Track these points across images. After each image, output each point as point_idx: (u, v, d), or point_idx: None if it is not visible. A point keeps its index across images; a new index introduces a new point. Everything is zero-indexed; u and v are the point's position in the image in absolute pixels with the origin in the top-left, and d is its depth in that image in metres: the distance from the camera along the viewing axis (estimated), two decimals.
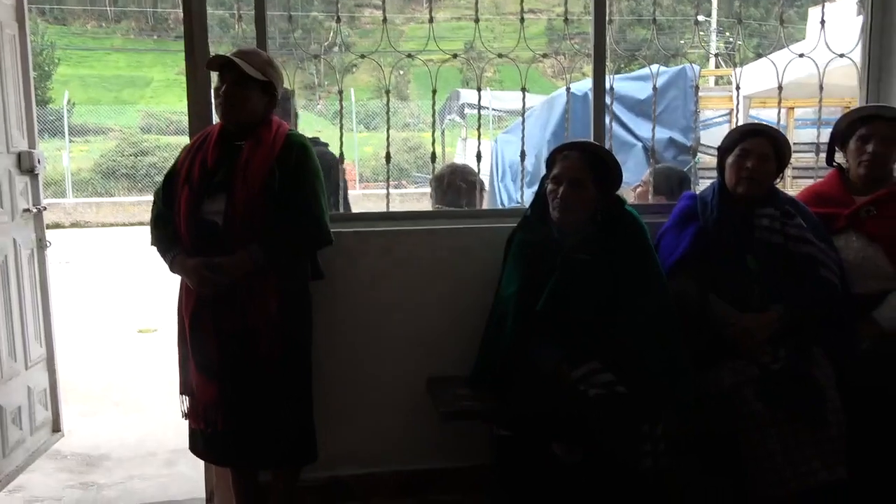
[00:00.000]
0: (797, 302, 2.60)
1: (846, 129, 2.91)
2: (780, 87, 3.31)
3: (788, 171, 2.99)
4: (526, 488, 2.57)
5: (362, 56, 3.16)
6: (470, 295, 2.95)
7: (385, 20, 3.10)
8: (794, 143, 2.96)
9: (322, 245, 2.61)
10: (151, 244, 2.61)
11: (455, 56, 3.16)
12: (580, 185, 2.56)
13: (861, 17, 3.30)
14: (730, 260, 2.68)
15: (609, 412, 2.35)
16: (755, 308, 2.62)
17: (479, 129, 3.23)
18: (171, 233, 2.55)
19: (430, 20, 3.10)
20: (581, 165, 2.58)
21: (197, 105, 2.87)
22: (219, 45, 2.90)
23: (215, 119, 2.69)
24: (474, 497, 3.03)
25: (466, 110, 10.12)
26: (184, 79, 2.88)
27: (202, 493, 3.07)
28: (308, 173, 2.57)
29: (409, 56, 3.12)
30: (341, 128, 3.12)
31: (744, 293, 2.65)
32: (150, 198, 2.68)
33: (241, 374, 2.48)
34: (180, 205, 2.52)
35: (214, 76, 2.59)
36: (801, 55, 3.27)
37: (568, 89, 3.34)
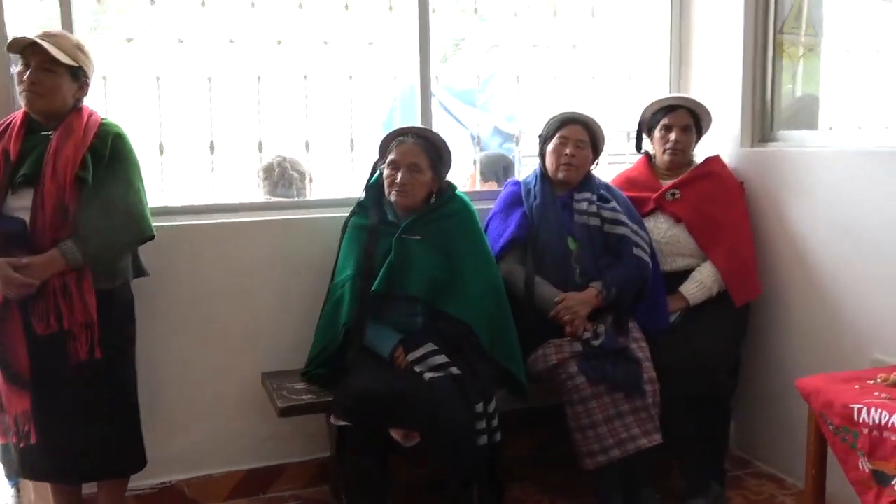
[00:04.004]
0: (614, 280, 2.77)
1: (651, 119, 3.13)
2: (593, 78, 3.51)
3: (604, 157, 3.17)
4: (366, 476, 2.59)
5: (180, 41, 3.03)
6: (302, 287, 2.92)
7: (204, 4, 2.99)
8: (609, 131, 3.15)
9: (143, 240, 2.48)
10: None
11: (279, 43, 3.10)
12: (417, 169, 2.64)
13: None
14: (552, 242, 2.82)
15: (444, 394, 2.41)
16: (577, 287, 2.78)
17: (306, 117, 3.19)
18: None
19: (252, 5, 3.02)
20: (417, 150, 2.65)
21: None
22: (18, 27, 2.68)
23: (18, 106, 2.49)
24: (315, 490, 3.02)
25: (295, 98, 9.90)
26: None
27: None
28: (125, 164, 2.43)
29: (231, 42, 3.03)
30: (160, 116, 2.98)
31: (566, 273, 2.80)
32: None
33: (57, 382, 2.32)
34: None
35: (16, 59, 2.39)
36: (611, 47, 3.48)
37: (394, 78, 3.36)
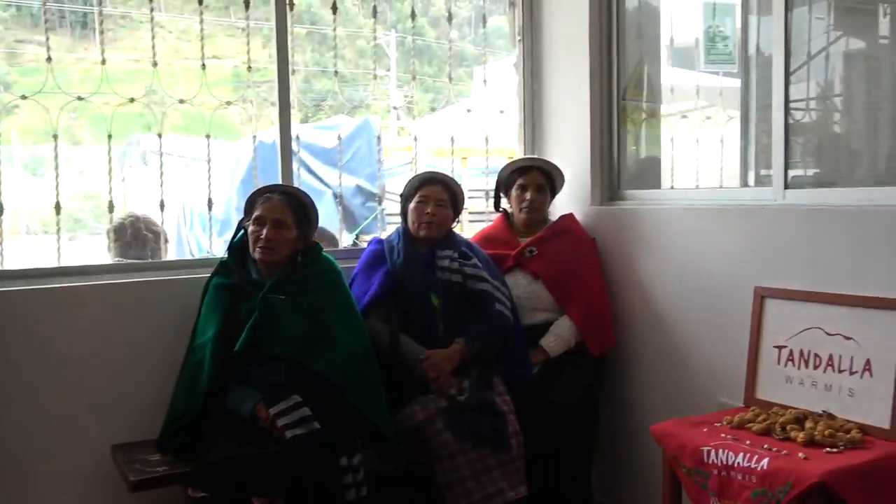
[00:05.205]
0: (477, 335, 2.82)
1: (507, 179, 3.25)
2: (452, 140, 3.62)
3: (465, 215, 3.26)
4: None
5: (24, 97, 2.89)
6: (157, 352, 2.79)
7: (50, 59, 2.87)
8: (469, 190, 3.25)
9: None
10: None
11: (132, 100, 3.01)
12: (283, 225, 2.62)
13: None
14: (416, 299, 2.84)
15: (308, 454, 2.36)
16: (441, 343, 2.80)
17: (161, 176, 3.09)
18: None
19: (103, 62, 2.93)
20: (283, 207, 2.64)
21: None
22: None
23: None
24: None
25: (148, 156, 9.62)
26: None
27: None
28: None
29: (80, 98, 2.92)
30: (0, 174, 2.81)
31: (430, 330, 2.82)
32: None
33: None
34: None
35: None
36: (469, 110, 3.61)
37: (254, 137, 3.33)
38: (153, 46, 3.02)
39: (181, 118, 3.19)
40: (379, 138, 3.70)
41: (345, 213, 4.58)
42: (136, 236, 3.49)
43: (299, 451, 2.36)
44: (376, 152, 3.68)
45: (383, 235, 3.15)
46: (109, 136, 2.96)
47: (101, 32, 3.02)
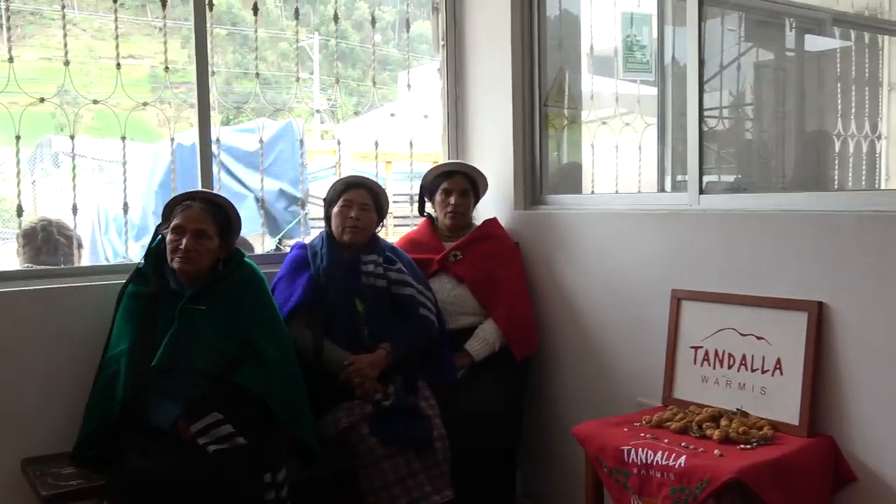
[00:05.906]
0: (401, 339, 2.82)
1: (432, 183, 3.26)
2: (376, 144, 3.61)
3: (390, 220, 3.25)
4: None
5: None
6: (71, 362, 2.69)
7: None
8: (394, 195, 3.25)
9: None
10: None
11: (43, 100, 2.90)
12: (204, 235, 2.53)
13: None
14: (340, 305, 2.82)
15: (230, 470, 2.30)
16: (366, 349, 2.79)
17: (73, 179, 2.98)
18: None
19: (11, 60, 2.80)
20: (204, 216, 2.55)
21: None
22: None
23: None
24: None
25: (61, 158, 9.27)
26: None
27: None
28: None
29: None
30: None
31: (355, 335, 2.81)
32: None
33: None
34: None
35: None
36: (393, 115, 3.60)
37: (172, 139, 3.25)
38: (65, 45, 2.91)
39: (95, 119, 3.09)
40: (302, 142, 3.66)
41: (267, 217, 4.53)
42: (47, 241, 3.35)
43: (221, 467, 2.30)
44: (299, 156, 3.64)
45: (307, 240, 3.12)
46: (18, 138, 2.84)
47: (9, 29, 2.89)
